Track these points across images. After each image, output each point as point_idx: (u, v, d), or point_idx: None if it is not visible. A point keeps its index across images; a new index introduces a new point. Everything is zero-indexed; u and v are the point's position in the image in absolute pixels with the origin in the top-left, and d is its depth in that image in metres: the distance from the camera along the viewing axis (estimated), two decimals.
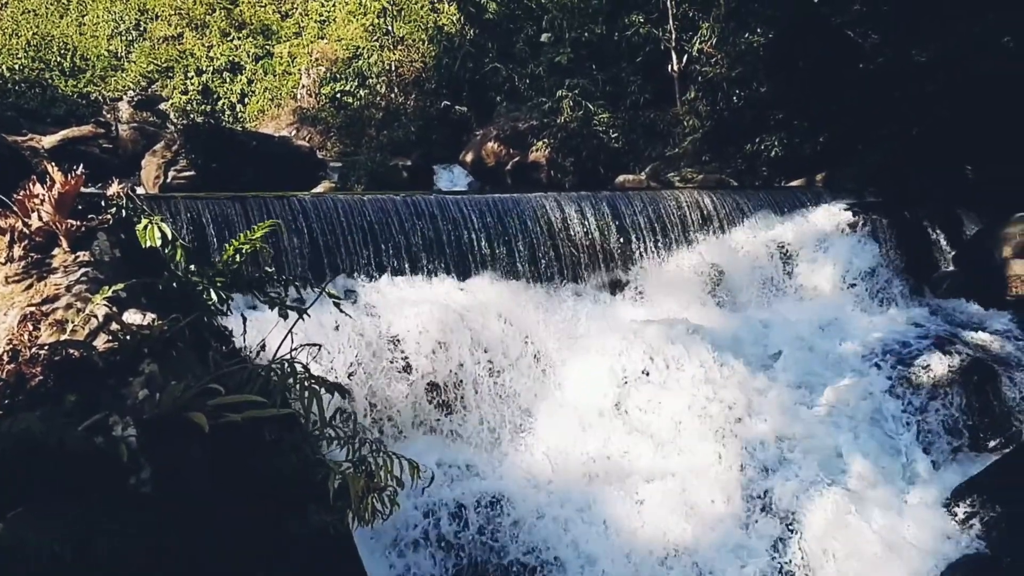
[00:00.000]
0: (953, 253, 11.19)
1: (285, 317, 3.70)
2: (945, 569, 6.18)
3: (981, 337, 8.80)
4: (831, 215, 10.91)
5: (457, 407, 7.21)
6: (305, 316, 3.88)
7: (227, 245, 3.94)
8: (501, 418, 7.41)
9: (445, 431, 7.15)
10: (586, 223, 9.64)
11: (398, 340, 7.12)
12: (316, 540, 3.16)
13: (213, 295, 3.66)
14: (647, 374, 7.89)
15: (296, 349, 3.45)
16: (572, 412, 7.57)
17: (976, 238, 11.10)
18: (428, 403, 7.09)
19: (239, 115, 27.24)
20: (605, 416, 7.55)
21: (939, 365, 7.91)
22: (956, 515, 6.68)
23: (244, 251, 3.88)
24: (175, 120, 25.35)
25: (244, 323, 4.06)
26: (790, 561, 6.23)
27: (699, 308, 9.63)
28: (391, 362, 6.93)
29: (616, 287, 9.70)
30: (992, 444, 7.48)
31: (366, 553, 5.17)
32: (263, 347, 3.75)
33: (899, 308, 9.87)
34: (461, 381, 7.29)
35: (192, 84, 28.18)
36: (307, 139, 22.48)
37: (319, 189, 16.00)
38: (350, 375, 6.60)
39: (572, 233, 9.50)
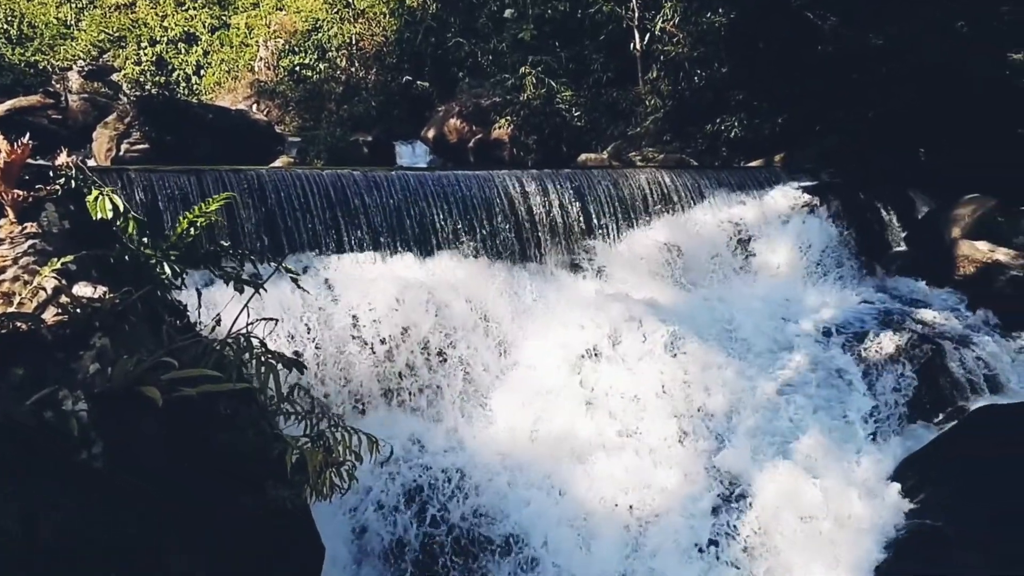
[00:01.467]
0: (905, 234, 11.46)
1: (241, 291, 3.66)
2: (892, 540, 6.37)
3: (930, 315, 9.05)
4: (788, 196, 11.09)
5: (417, 383, 7.20)
6: (262, 291, 3.84)
7: (181, 218, 3.87)
8: (461, 394, 7.42)
9: (405, 407, 7.15)
10: (548, 201, 9.65)
11: (358, 317, 7.08)
12: (273, 514, 3.16)
13: (167, 268, 3.60)
14: (606, 350, 7.96)
15: (252, 323, 3.41)
16: (532, 388, 7.61)
17: (927, 219, 11.38)
18: (388, 379, 7.07)
19: (194, 87, 26.59)
20: (564, 391, 7.60)
21: (889, 342, 8.12)
22: (903, 487, 6.88)
23: (199, 224, 3.82)
24: (128, 91, 24.65)
25: (199, 297, 4.00)
26: (742, 531, 6.38)
27: (658, 286, 9.73)
28: (351, 338, 6.89)
29: (577, 265, 9.74)
30: (938, 418, 7.71)
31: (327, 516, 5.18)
32: (218, 322, 3.71)
33: (852, 286, 10.10)
34: (422, 358, 7.28)
35: (145, 55, 27.40)
36: (265, 113, 22.06)
37: (277, 164, 15.73)
38: (309, 351, 6.54)
39: (534, 211, 9.50)
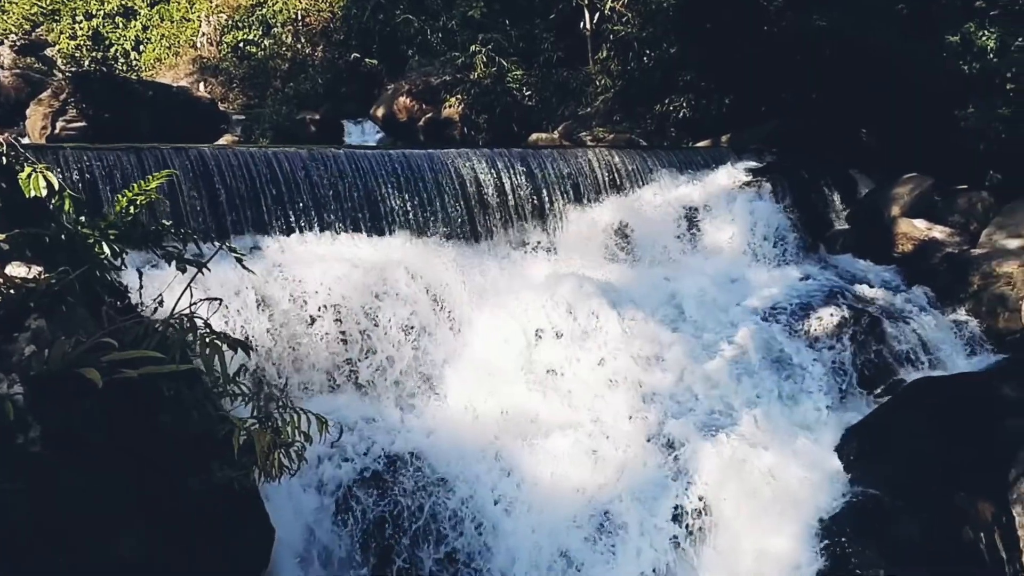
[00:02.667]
0: (847, 212, 11.75)
1: (183, 271, 3.58)
2: (834, 509, 6.59)
3: (870, 291, 9.32)
4: (734, 175, 11.25)
5: (368, 364, 7.16)
6: (205, 271, 3.77)
7: (120, 196, 3.76)
8: (413, 374, 7.40)
9: (356, 389, 7.10)
10: (499, 180, 9.63)
11: (307, 297, 6.98)
12: (222, 496, 3.12)
13: (105, 248, 3.50)
14: (557, 329, 8.02)
15: (195, 304, 3.34)
16: (484, 368, 7.63)
17: (868, 198, 11.68)
18: (338, 360, 7.01)
19: (133, 63, 25.74)
20: (516, 371, 7.65)
21: (831, 317, 8.35)
22: (844, 458, 7.11)
23: (138, 203, 3.72)
24: (63, 67, 23.75)
25: (140, 278, 3.91)
26: (690, 504, 6.53)
27: (609, 265, 9.83)
28: (299, 319, 6.80)
29: (528, 244, 9.76)
30: (878, 390, 7.97)
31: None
32: (161, 303, 3.63)
33: (796, 264, 10.33)
34: (372, 339, 7.23)
35: (81, 29, 26.40)
36: (208, 90, 21.50)
37: (221, 142, 15.37)
38: (256, 332, 6.44)
39: (485, 190, 9.48)
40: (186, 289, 3.37)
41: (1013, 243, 9.44)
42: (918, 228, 10.38)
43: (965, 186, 10.99)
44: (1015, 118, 10.02)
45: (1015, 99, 10.08)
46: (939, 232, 10.29)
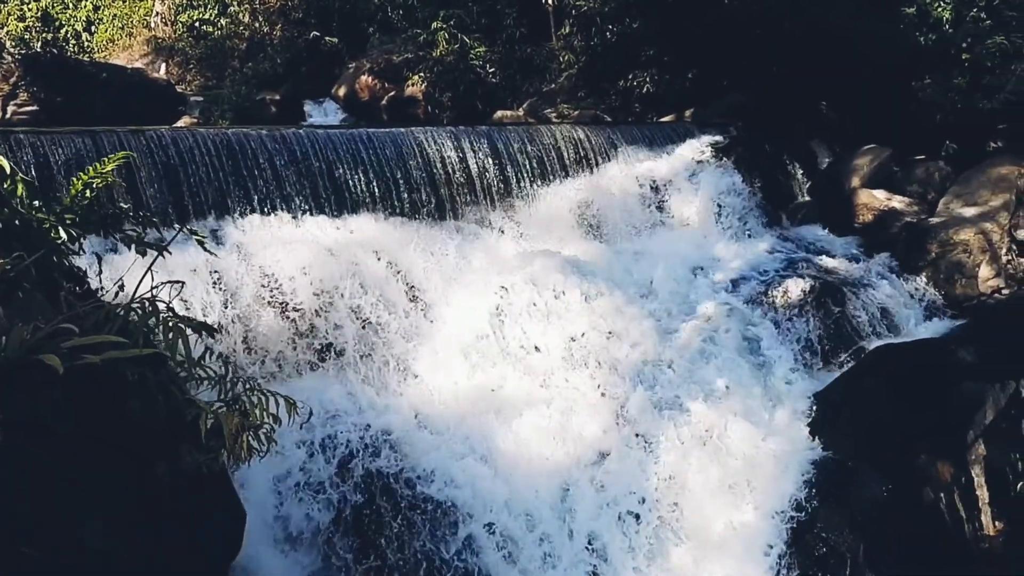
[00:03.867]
0: (808, 184, 11.90)
1: (143, 255, 3.51)
2: (803, 475, 6.73)
3: (832, 261, 9.48)
4: (697, 150, 11.31)
5: (335, 346, 7.12)
6: (166, 255, 3.71)
7: (75, 179, 3.67)
8: (382, 355, 7.38)
9: (325, 370, 7.07)
10: (465, 158, 9.57)
11: (271, 280, 6.91)
12: (190, 480, 3.09)
13: (62, 233, 3.41)
14: (526, 306, 8.04)
15: (157, 287, 3.29)
16: (453, 347, 7.63)
17: (828, 170, 11.83)
18: (306, 343, 6.96)
19: (85, 45, 25.02)
20: (485, 350, 7.66)
21: (794, 288, 8.48)
22: (810, 425, 7.26)
23: (94, 186, 3.63)
24: (12, 50, 22.99)
25: (99, 263, 3.83)
26: (661, 476, 6.64)
27: (576, 242, 9.84)
28: (265, 302, 6.73)
29: (495, 222, 9.73)
30: (841, 358, 8.12)
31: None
32: (122, 287, 3.55)
33: (759, 237, 10.45)
34: (339, 320, 7.18)
35: (29, 10, 25.55)
36: (164, 72, 21.00)
37: (179, 124, 15.05)
38: (222, 317, 6.36)
39: (450, 168, 9.41)
40: (147, 272, 3.31)
41: (969, 211, 9.63)
42: (877, 198, 10.55)
43: (923, 156, 11.19)
44: (970, 89, 10.20)
45: (970, 70, 10.25)
46: (898, 202, 10.47)
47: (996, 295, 8.89)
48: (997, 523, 6.36)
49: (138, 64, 21.41)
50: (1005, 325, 7.95)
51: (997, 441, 6.62)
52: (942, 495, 6.34)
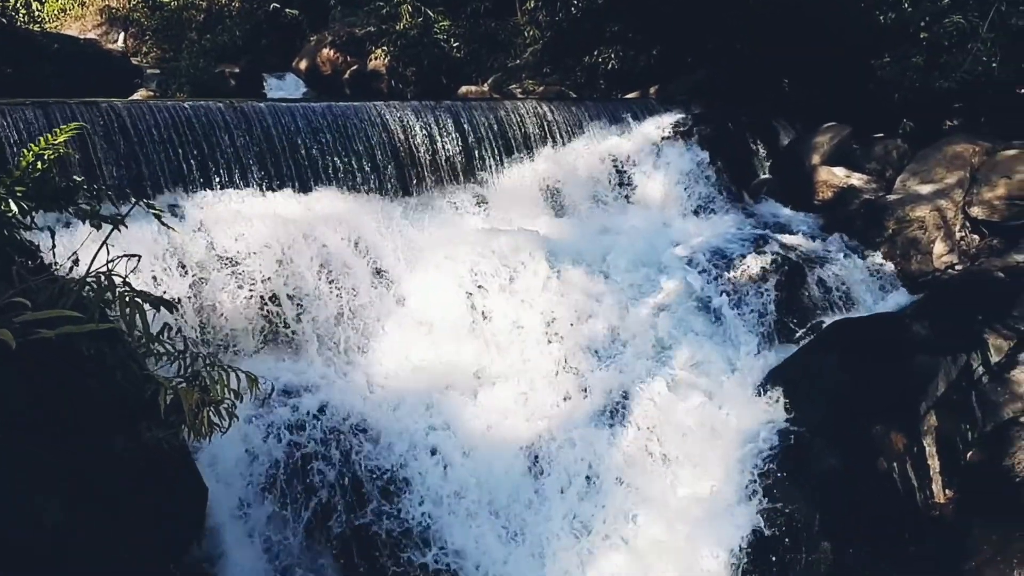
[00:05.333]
0: (770, 162, 12.01)
1: (98, 228, 3.43)
2: (761, 446, 6.87)
3: (792, 238, 9.61)
4: (661, 127, 11.34)
5: (299, 323, 7.05)
6: (122, 228, 3.63)
7: (25, 151, 3.57)
8: (347, 333, 7.33)
9: (288, 348, 7.00)
10: (430, 133, 9.48)
11: (233, 256, 6.80)
12: (151, 456, 3.06)
13: (12, 205, 3.32)
14: (491, 282, 8.04)
15: (113, 261, 3.22)
16: (418, 324, 7.62)
17: (790, 147, 11.95)
18: (268, 320, 6.88)
19: (36, 15, 24.14)
20: (450, 325, 7.65)
21: (755, 264, 8.59)
22: (769, 397, 7.39)
23: (46, 157, 3.53)
24: None
25: (53, 237, 3.74)
26: (625, 449, 6.73)
27: (541, 218, 9.85)
28: (226, 278, 6.62)
29: (460, 198, 9.67)
30: (800, 333, 8.28)
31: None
32: (76, 261, 3.47)
33: (722, 213, 10.55)
34: (303, 297, 7.10)
35: None
36: (120, 43, 20.42)
37: (136, 97, 14.67)
38: (180, 292, 6.25)
39: (415, 144, 9.32)
40: (102, 246, 3.23)
41: (925, 188, 9.84)
42: (837, 176, 10.70)
43: (881, 134, 11.37)
44: (928, 68, 10.35)
45: (928, 49, 10.39)
46: (857, 179, 10.63)
47: (950, 270, 9.12)
48: (947, 491, 6.58)
49: (91, 35, 20.78)
50: (958, 300, 8.16)
51: (948, 412, 6.85)
52: (895, 465, 6.53)
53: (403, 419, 6.46)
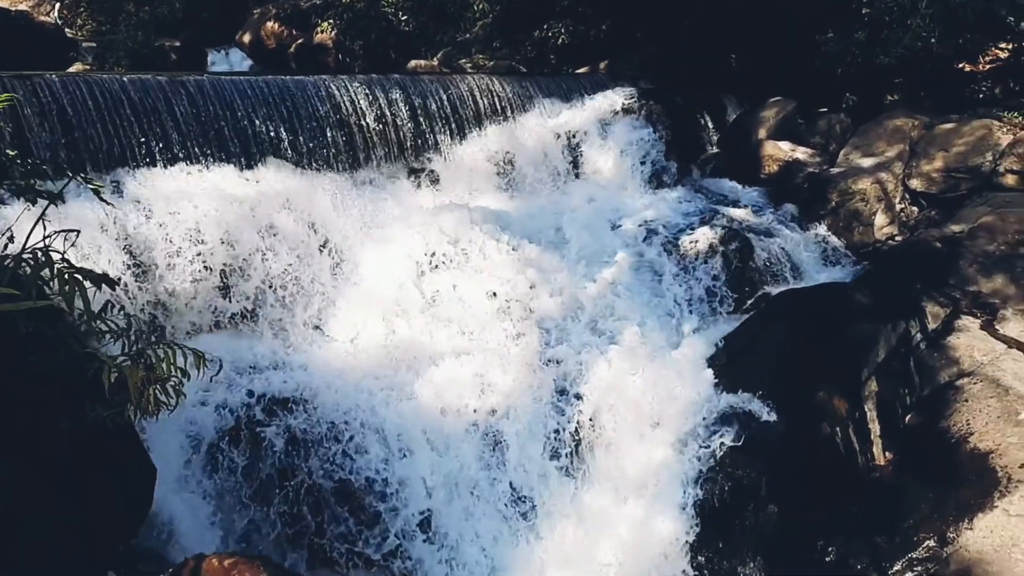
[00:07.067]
0: (718, 136, 12.18)
1: (33, 203, 3.32)
2: (710, 417, 7.02)
3: (739, 212, 9.78)
4: (611, 102, 11.37)
5: (246, 303, 6.94)
6: (59, 205, 3.52)
7: None
8: (296, 311, 7.25)
9: (235, 328, 6.90)
10: (379, 108, 9.35)
11: (175, 234, 6.62)
12: (95, 436, 2.99)
13: None
14: (443, 260, 8.02)
15: (50, 237, 3.12)
16: (370, 301, 7.56)
17: (737, 122, 12.12)
18: (216, 299, 6.75)
19: None
20: (403, 302, 7.62)
21: (703, 237, 8.73)
22: (718, 368, 7.54)
23: None
24: None
25: None
26: (574, 421, 6.82)
27: (493, 194, 9.83)
28: (169, 257, 6.46)
29: (411, 174, 9.60)
30: (747, 304, 8.45)
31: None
32: (11, 239, 3.36)
33: (671, 188, 10.68)
34: (248, 275, 6.98)
35: None
36: (52, 15, 19.62)
37: (71, 71, 14.13)
38: (121, 271, 6.08)
39: (364, 119, 9.18)
40: (38, 222, 3.13)
41: (867, 162, 10.08)
42: (782, 150, 10.89)
43: (825, 109, 11.60)
44: (869, 43, 10.57)
45: (869, 24, 10.60)
46: (802, 153, 10.84)
47: (891, 241, 9.39)
48: (887, 453, 6.82)
49: (23, 6, 19.92)
50: (897, 270, 8.40)
51: (888, 377, 7.07)
52: (838, 429, 6.74)
53: (352, 396, 6.42)
